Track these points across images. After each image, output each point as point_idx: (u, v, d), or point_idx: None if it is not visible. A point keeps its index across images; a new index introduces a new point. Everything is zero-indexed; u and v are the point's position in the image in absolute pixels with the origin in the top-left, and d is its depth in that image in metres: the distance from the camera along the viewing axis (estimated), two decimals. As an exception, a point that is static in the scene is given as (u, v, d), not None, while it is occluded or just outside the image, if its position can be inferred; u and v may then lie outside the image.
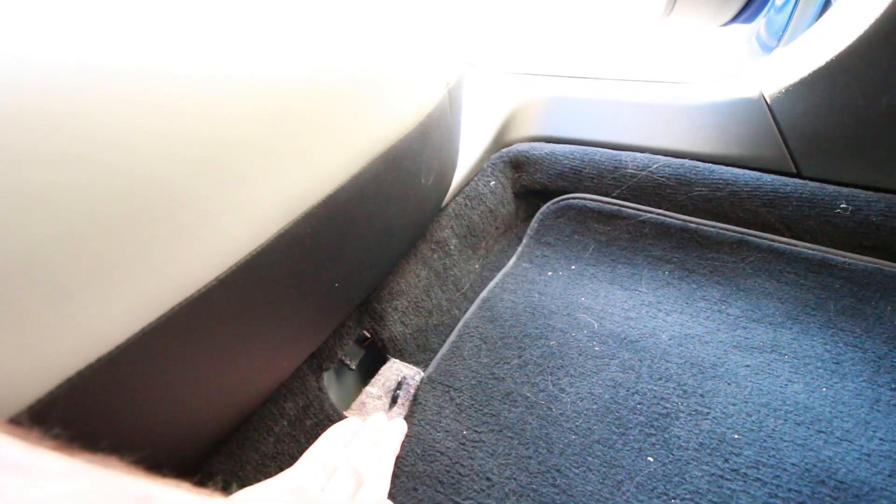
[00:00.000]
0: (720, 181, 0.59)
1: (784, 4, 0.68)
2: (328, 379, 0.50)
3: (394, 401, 0.48)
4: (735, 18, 0.72)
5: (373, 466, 0.34)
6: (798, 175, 0.58)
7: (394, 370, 0.51)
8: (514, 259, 0.66)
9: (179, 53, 0.23)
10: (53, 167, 0.19)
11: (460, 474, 0.42)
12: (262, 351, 0.34)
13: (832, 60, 0.51)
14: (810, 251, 0.55)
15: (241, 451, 0.41)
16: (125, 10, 0.22)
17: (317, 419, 0.46)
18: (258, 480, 0.31)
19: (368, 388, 0.49)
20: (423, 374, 0.51)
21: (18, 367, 0.19)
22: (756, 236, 0.57)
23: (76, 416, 0.22)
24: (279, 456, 0.43)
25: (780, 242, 0.56)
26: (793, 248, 0.56)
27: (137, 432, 0.27)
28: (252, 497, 0.27)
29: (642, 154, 0.65)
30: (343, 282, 0.41)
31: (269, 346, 0.35)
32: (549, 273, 0.62)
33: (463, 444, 0.44)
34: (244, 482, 0.37)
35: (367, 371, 0.54)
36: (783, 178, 0.58)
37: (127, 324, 0.23)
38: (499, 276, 0.63)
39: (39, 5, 0.19)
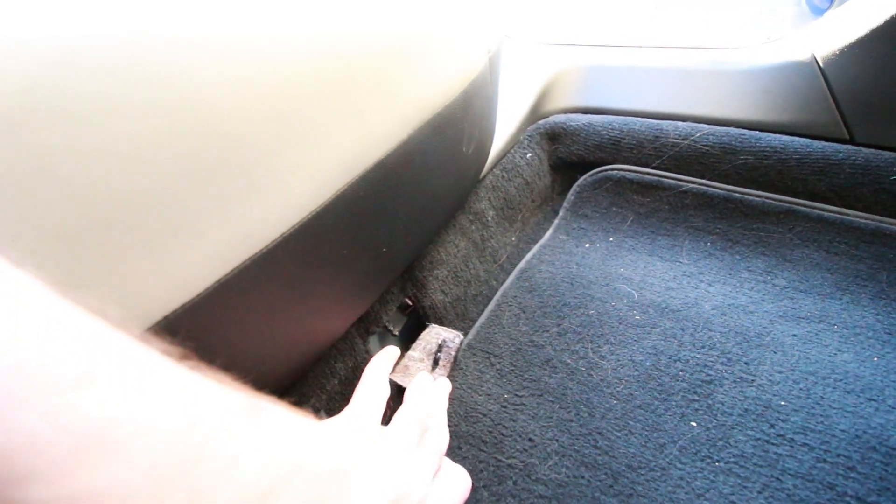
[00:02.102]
0: (767, 149, 0.57)
1: (839, -38, 0.65)
2: (373, 344, 0.52)
3: (435, 363, 0.49)
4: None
5: (434, 415, 0.35)
6: (851, 141, 0.56)
7: (433, 334, 0.52)
8: (550, 231, 0.65)
9: (253, 25, 0.24)
10: (147, 118, 0.20)
11: (503, 435, 0.44)
12: (318, 308, 0.36)
13: (890, 20, 0.49)
14: (863, 220, 0.53)
15: (298, 407, 0.43)
16: None
17: None
18: None
19: (410, 353, 0.51)
20: (462, 336, 0.52)
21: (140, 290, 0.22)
22: (804, 205, 0.56)
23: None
24: (332, 412, 0.45)
25: (830, 212, 0.55)
26: (844, 217, 0.54)
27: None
28: (337, 423, 0.31)
29: (684, 123, 0.63)
30: (390, 246, 0.42)
31: (324, 303, 0.37)
32: (587, 245, 0.62)
33: (504, 406, 0.46)
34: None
35: (409, 338, 0.56)
36: (835, 144, 0.55)
37: (206, 274, 0.25)
38: (536, 247, 0.63)
39: None
